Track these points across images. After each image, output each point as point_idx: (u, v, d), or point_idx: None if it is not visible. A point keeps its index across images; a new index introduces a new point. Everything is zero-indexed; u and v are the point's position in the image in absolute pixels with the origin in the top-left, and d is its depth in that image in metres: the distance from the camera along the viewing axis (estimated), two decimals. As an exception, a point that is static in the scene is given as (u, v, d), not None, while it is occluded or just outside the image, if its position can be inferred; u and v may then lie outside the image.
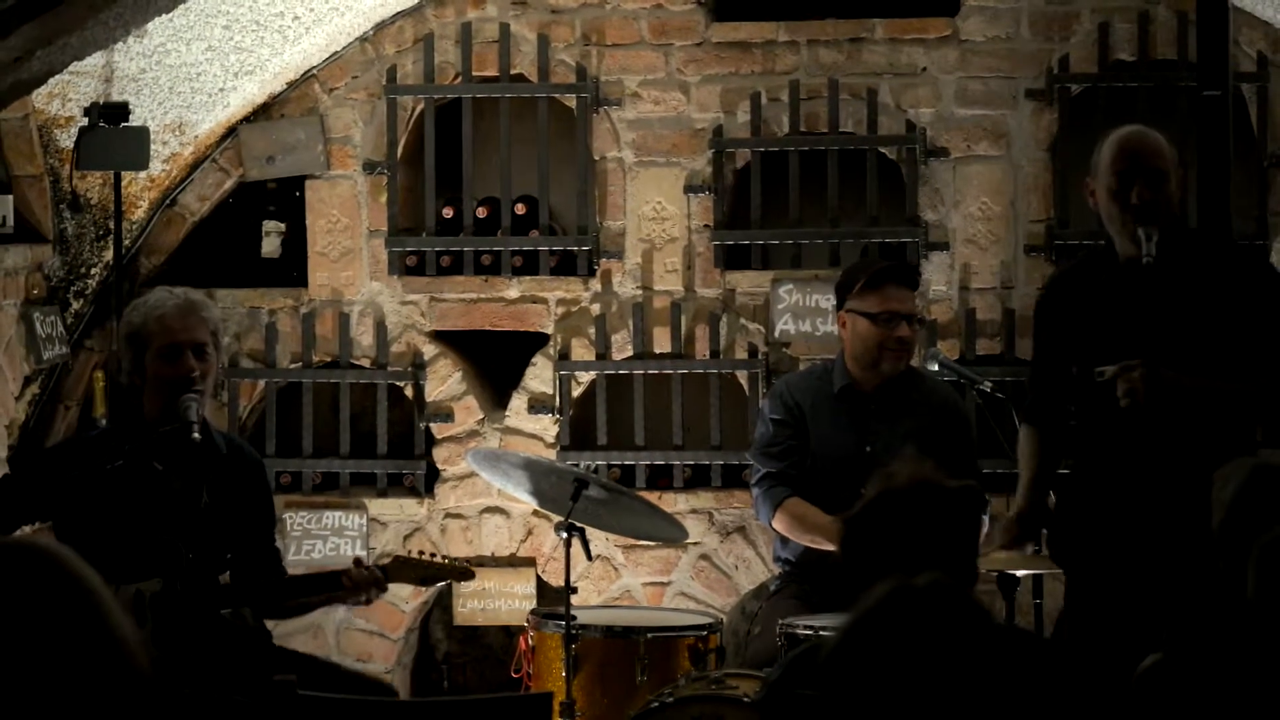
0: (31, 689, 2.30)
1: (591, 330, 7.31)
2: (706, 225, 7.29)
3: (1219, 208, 6.05)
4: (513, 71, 7.38)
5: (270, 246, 7.54)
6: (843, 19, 7.29)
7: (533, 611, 5.95)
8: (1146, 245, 5.07)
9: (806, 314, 7.17)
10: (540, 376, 7.34)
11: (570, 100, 7.35)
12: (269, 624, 5.51)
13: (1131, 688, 3.42)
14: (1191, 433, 5.09)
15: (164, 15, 6.27)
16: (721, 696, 5.17)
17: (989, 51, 7.21)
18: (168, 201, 7.45)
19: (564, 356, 7.31)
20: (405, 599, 7.28)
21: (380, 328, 7.38)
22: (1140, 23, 7.14)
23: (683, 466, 7.25)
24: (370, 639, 7.35)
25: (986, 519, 5.69)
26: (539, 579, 7.29)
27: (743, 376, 7.24)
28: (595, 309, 7.33)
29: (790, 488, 6.04)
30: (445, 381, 7.37)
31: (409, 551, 5.58)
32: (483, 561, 7.24)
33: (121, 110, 6.67)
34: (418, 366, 7.37)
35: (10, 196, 6.77)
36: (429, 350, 7.38)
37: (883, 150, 7.25)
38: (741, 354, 7.24)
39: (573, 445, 7.29)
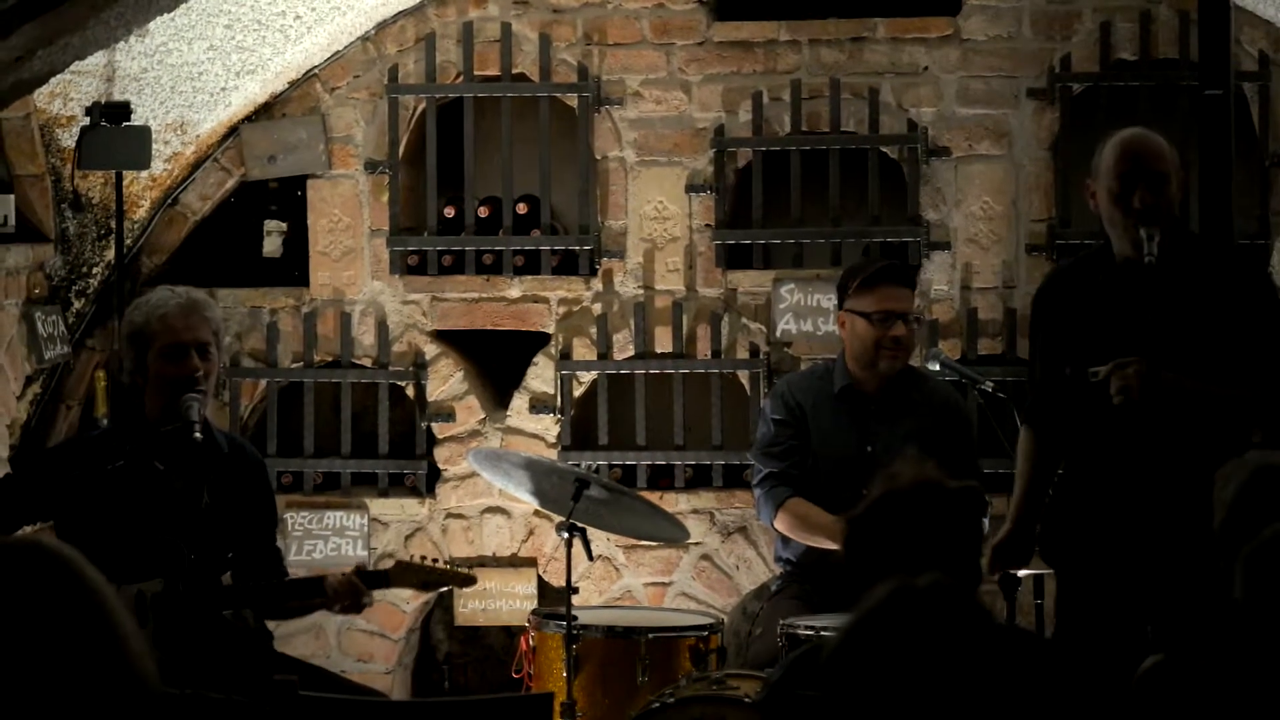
0: (35, 688, 2.30)
1: (593, 330, 7.31)
2: (708, 225, 7.29)
3: (1220, 207, 6.05)
4: (514, 71, 7.38)
5: (272, 246, 7.54)
6: (844, 18, 7.29)
7: (534, 612, 5.95)
8: (1148, 245, 5.06)
9: (808, 314, 7.17)
10: (542, 376, 7.34)
11: (572, 100, 7.35)
12: (270, 624, 5.50)
13: (1132, 689, 3.41)
14: (1185, 434, 5.08)
15: (165, 14, 6.26)
16: (723, 697, 5.17)
17: (990, 51, 7.21)
18: (169, 201, 7.44)
19: (565, 356, 7.31)
20: (406, 599, 7.27)
21: (382, 327, 7.37)
22: (1142, 22, 7.14)
23: (684, 466, 7.24)
24: (371, 639, 7.35)
25: (987, 521, 5.67)
26: (540, 579, 7.29)
27: (744, 376, 7.23)
28: (597, 309, 7.33)
29: (792, 488, 6.04)
30: (447, 381, 7.37)
31: (410, 554, 5.57)
32: (484, 562, 7.25)
33: (123, 109, 6.67)
34: (419, 366, 7.37)
35: (12, 196, 6.76)
36: (430, 350, 7.38)
37: (884, 150, 7.24)
38: (743, 354, 7.24)
39: (574, 445, 7.28)
